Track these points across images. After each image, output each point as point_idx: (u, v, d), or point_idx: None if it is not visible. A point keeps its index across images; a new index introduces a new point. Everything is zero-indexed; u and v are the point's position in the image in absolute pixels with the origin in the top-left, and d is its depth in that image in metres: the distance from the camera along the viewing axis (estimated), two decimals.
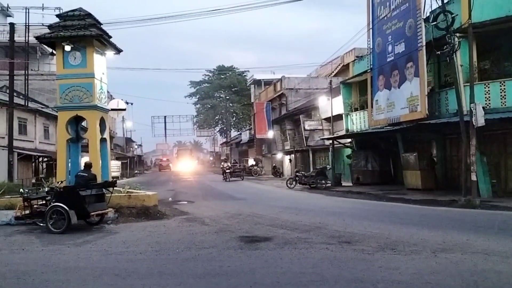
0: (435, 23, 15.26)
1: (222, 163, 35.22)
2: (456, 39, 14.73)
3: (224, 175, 32.45)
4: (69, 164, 13.71)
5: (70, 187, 11.18)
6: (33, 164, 29.97)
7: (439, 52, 15.62)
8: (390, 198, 16.73)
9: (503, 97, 15.30)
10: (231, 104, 74.49)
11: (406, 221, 10.79)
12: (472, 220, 10.72)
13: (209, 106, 76.28)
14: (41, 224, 10.33)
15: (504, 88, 15.28)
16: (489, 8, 15.23)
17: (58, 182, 12.35)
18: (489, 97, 15.54)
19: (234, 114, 75.05)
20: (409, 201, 15.59)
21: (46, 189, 12.08)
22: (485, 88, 15.61)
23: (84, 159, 14.21)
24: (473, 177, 13.91)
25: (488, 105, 15.40)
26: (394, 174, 23.56)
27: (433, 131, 19.41)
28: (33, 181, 25.91)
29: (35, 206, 10.98)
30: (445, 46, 14.91)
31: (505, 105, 15.23)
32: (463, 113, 14.62)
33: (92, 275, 6.24)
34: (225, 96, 75.28)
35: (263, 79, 51.54)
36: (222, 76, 74.62)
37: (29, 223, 10.80)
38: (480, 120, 13.66)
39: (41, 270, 6.65)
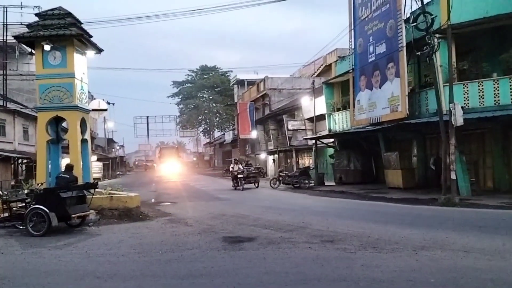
0: (415, 24, 15.45)
1: (232, 166, 26.05)
2: (435, 40, 14.95)
3: (235, 181, 24.12)
4: (49, 166, 13.49)
5: (51, 189, 11.01)
6: (12, 165, 29.42)
7: (419, 53, 15.82)
8: (372, 197, 16.91)
9: (481, 97, 15.60)
10: (214, 104, 74.37)
11: (388, 220, 10.93)
12: (451, 218, 10.90)
13: (192, 106, 76.02)
14: (21, 227, 10.14)
15: (482, 88, 15.58)
16: (468, 10, 15.50)
17: (38, 184, 12.13)
18: (467, 97, 15.81)
19: (217, 114, 74.97)
20: (390, 200, 15.78)
21: (26, 191, 11.86)
22: (464, 88, 15.90)
23: (64, 161, 14.01)
24: (453, 176, 14.15)
25: (466, 105, 15.67)
26: (376, 173, 23.81)
27: (413, 130, 19.68)
28: (13, 183, 25.46)
29: (14, 208, 10.80)
30: (425, 47, 15.11)
31: (483, 104, 15.53)
32: (443, 112, 14.86)
33: (73, 278, 6.17)
34: (208, 96, 75.16)
35: (246, 79, 51.57)
36: (205, 76, 74.49)
37: (8, 226, 10.58)
38: (459, 119, 13.90)
39: (21, 273, 6.54)
